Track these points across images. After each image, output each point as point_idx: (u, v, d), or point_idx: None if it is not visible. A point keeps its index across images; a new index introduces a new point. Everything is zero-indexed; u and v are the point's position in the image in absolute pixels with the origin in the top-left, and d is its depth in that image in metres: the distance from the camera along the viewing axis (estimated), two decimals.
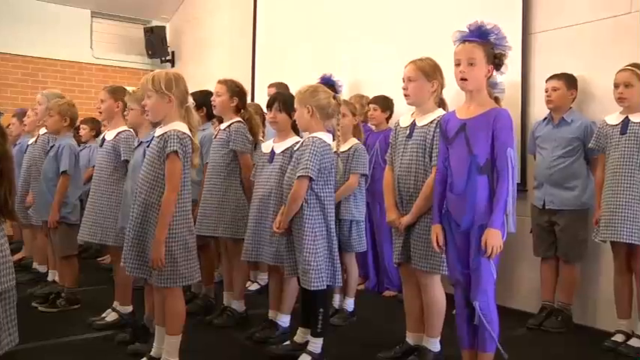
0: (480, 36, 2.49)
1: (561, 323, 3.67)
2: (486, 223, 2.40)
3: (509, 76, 2.63)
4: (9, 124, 5.66)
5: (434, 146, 2.81)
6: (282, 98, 3.40)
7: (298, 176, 2.90)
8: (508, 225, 2.41)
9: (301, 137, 3.29)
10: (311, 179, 2.89)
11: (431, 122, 2.87)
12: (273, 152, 3.36)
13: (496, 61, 2.51)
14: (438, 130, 2.77)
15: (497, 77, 2.57)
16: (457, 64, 2.52)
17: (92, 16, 8.37)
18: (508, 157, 2.39)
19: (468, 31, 2.51)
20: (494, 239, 2.37)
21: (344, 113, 3.43)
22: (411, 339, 3.05)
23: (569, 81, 3.75)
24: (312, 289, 2.88)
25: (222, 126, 3.73)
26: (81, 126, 5.82)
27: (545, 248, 3.81)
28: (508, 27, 2.58)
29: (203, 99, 3.90)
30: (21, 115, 5.25)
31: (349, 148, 3.66)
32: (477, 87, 2.50)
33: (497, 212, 2.38)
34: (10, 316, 1.89)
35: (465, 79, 2.49)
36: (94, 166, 4.22)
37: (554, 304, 3.77)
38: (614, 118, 3.40)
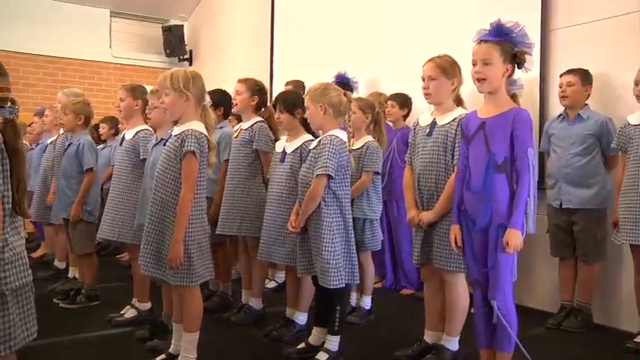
0: (498, 35, 2.47)
1: (581, 323, 3.62)
2: (504, 222, 2.39)
3: (527, 73, 2.60)
4: (31, 123, 5.74)
5: (455, 145, 2.79)
6: (282, 98, 3.39)
7: (317, 175, 2.89)
8: (528, 225, 2.39)
9: (314, 136, 3.29)
10: (329, 178, 2.89)
11: (452, 121, 2.86)
12: (284, 152, 3.36)
13: (516, 60, 2.48)
14: (459, 128, 2.75)
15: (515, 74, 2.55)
16: (474, 64, 2.50)
17: (111, 16, 8.46)
18: (528, 157, 2.38)
19: (488, 30, 2.49)
20: (515, 239, 2.36)
21: (354, 110, 3.42)
22: (429, 337, 3.04)
23: (585, 76, 3.69)
24: (332, 287, 2.88)
25: (245, 125, 3.74)
26: (100, 124, 5.88)
27: (563, 248, 3.76)
28: (527, 23, 2.55)
29: (220, 98, 3.92)
30: (41, 114, 5.31)
31: (362, 146, 3.65)
32: (494, 87, 2.48)
33: (517, 212, 2.37)
34: (27, 311, 1.92)
35: (481, 79, 2.47)
36: (113, 165, 4.27)
37: (573, 303, 3.73)
38: (636, 117, 3.34)
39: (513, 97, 2.57)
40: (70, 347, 3.25)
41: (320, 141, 2.98)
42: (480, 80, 2.47)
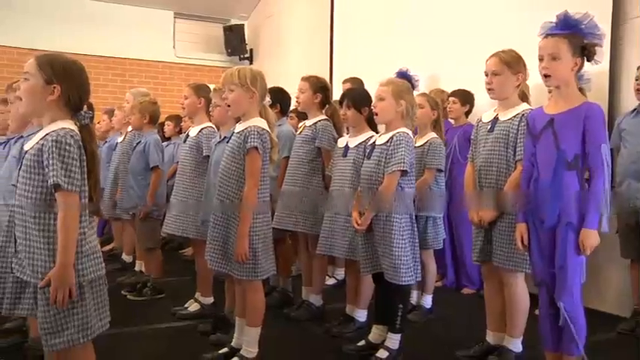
0: (566, 28, 2.37)
1: None
2: (573, 221, 2.30)
3: (595, 66, 2.49)
4: (99, 121, 5.97)
5: (518, 140, 2.72)
6: (351, 95, 3.39)
7: (393, 170, 2.87)
8: (602, 225, 2.30)
9: (377, 132, 3.27)
10: (403, 174, 2.87)
11: (514, 116, 2.79)
12: (347, 147, 3.37)
13: (586, 53, 2.38)
14: (522, 124, 2.68)
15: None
16: (540, 59, 2.41)
17: (175, 17, 8.71)
18: (602, 154, 2.28)
19: (554, 23, 2.40)
20: (591, 240, 2.28)
21: (421, 104, 3.38)
22: (491, 338, 2.98)
23: None
24: (403, 284, 2.86)
25: (308, 123, 3.77)
26: (165, 122, 6.05)
27: (634, 250, 3.58)
28: (597, 14, 2.44)
29: (277, 96, 3.96)
30: (110, 113, 5.52)
31: (425, 143, 3.61)
32: (563, 82, 2.39)
33: (593, 211, 2.28)
34: (102, 302, 2.01)
35: (549, 75, 2.39)
36: (177, 162, 4.39)
37: None
38: None
39: (580, 92, 2.48)
40: (137, 338, 3.37)
41: (392, 137, 2.93)
42: (547, 76, 2.39)
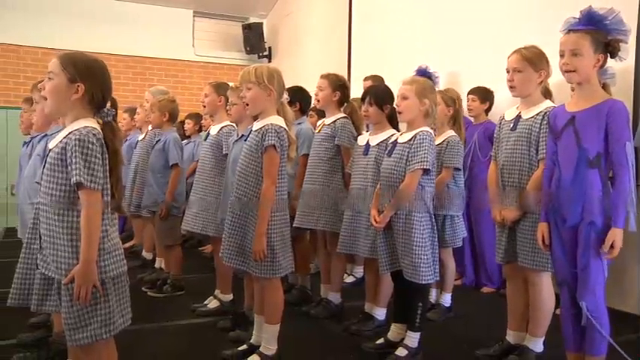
0: (589, 24, 2.33)
1: None
2: (596, 220, 2.27)
3: (621, 62, 2.44)
4: (120, 120, 6.02)
5: (540, 138, 2.69)
6: (373, 92, 3.38)
7: (415, 168, 2.86)
8: (629, 223, 2.26)
9: (398, 130, 3.26)
10: (424, 172, 2.87)
11: (537, 114, 2.75)
12: (368, 144, 3.36)
13: (609, 49, 2.34)
14: (545, 122, 2.64)
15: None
16: (561, 55, 2.38)
17: (194, 16, 8.77)
18: (626, 151, 2.25)
19: (577, 18, 2.36)
20: (619, 239, 2.24)
21: (437, 102, 3.35)
22: (511, 337, 2.95)
23: None
24: (423, 282, 2.85)
25: (327, 121, 3.77)
26: (185, 120, 6.09)
27: None
28: (622, 7, 2.39)
29: (297, 94, 3.97)
30: (132, 111, 5.57)
31: (443, 141, 3.59)
32: (584, 79, 2.35)
33: (620, 210, 2.25)
34: (123, 298, 2.03)
35: (570, 72, 2.35)
36: (197, 160, 4.42)
37: None
38: None
39: (604, 87, 2.43)
40: (157, 334, 3.40)
41: (415, 136, 2.92)
42: (568, 72, 2.36)
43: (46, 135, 3.09)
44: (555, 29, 2.46)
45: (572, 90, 2.89)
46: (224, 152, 3.70)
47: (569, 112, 2.41)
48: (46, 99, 2.05)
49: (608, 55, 2.36)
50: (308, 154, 3.84)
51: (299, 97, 3.99)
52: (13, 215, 5.13)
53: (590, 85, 2.37)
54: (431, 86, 3.03)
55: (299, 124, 3.91)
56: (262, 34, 8.71)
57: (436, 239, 2.93)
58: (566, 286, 2.43)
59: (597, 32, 2.33)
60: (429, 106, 2.93)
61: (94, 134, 1.91)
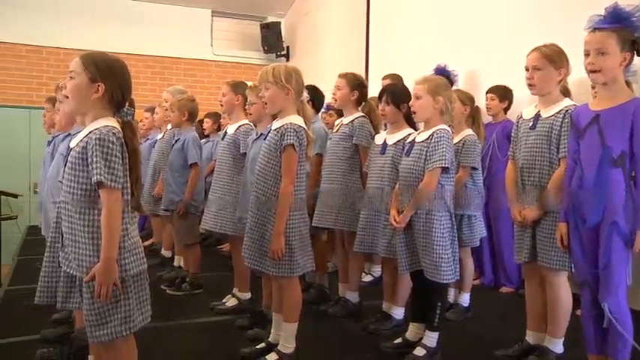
0: (615, 21, 2.28)
1: None
2: (618, 220, 2.24)
3: None
4: (142, 119, 6.08)
5: (561, 137, 2.66)
6: (390, 90, 3.37)
7: (434, 167, 2.85)
8: None
9: (415, 129, 3.25)
10: (444, 171, 2.85)
11: (557, 112, 2.71)
12: (385, 144, 3.35)
13: (636, 47, 2.29)
14: (565, 120, 2.61)
15: None
16: (586, 55, 2.34)
17: (212, 15, 8.82)
18: None
19: (602, 16, 2.32)
20: None
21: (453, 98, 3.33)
22: (531, 338, 2.92)
23: None
24: (444, 282, 2.84)
25: (345, 120, 3.76)
26: (204, 120, 6.12)
27: None
28: None
29: (310, 93, 3.94)
30: (152, 110, 5.62)
31: (460, 140, 3.57)
32: (610, 78, 2.31)
33: None
34: (143, 296, 2.06)
35: (595, 71, 2.31)
36: (215, 159, 4.44)
37: None
38: None
39: (627, 85, 2.40)
40: (176, 332, 3.43)
41: (432, 134, 2.91)
42: (593, 72, 2.31)
43: (69, 134, 3.13)
44: (577, 27, 2.43)
45: (593, 88, 2.85)
46: (241, 151, 3.71)
47: (592, 110, 2.38)
48: (67, 97, 2.08)
49: (635, 52, 2.32)
50: (320, 154, 3.83)
51: (312, 95, 3.97)
52: (36, 213, 5.21)
53: (615, 84, 2.33)
54: (445, 83, 3.00)
55: (313, 122, 3.90)
56: (280, 33, 8.73)
57: (456, 238, 2.92)
58: (587, 287, 2.40)
59: (624, 30, 2.29)
60: (443, 104, 2.91)
61: (114, 133, 1.94)
